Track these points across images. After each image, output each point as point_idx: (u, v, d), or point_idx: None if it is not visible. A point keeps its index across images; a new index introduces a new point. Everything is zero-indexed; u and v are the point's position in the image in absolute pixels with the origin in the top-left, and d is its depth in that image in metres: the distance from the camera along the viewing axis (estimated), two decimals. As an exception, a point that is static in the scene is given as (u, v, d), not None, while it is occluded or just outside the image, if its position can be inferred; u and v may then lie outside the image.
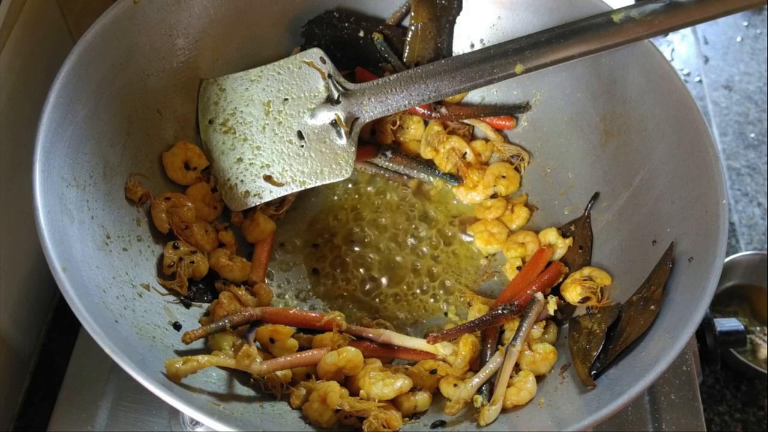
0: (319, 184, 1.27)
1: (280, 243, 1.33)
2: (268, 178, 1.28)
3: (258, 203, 1.27)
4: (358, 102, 1.28)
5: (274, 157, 1.28)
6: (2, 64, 1.11)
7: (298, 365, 1.12)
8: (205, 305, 1.19)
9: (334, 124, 1.28)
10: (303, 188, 1.27)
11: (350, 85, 1.29)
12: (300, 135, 1.29)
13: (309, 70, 1.31)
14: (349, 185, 1.39)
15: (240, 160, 1.29)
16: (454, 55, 1.40)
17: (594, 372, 1.07)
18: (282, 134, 1.29)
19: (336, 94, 1.28)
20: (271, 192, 1.27)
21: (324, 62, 1.31)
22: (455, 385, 1.13)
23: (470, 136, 1.43)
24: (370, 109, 1.28)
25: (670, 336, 1.00)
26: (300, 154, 1.28)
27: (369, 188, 1.41)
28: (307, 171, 1.27)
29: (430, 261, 1.33)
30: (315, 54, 1.31)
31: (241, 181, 1.28)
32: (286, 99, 1.31)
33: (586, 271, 1.24)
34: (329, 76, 1.30)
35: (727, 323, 1.41)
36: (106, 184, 1.12)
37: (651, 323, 1.06)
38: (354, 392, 1.10)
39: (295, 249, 1.33)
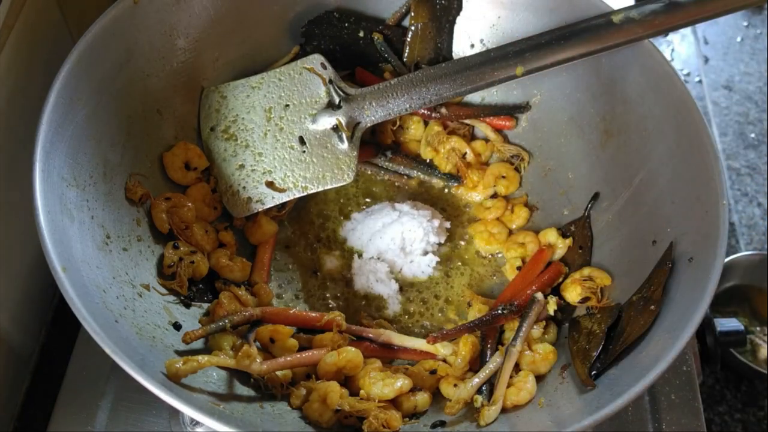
0: (321, 189, 1.27)
1: (281, 243, 1.33)
2: (270, 184, 1.28)
3: (260, 209, 1.27)
4: (360, 107, 1.28)
5: (275, 163, 1.28)
6: (2, 64, 1.12)
7: (298, 365, 1.12)
8: (205, 305, 1.19)
9: (336, 129, 1.28)
10: (305, 194, 1.27)
11: (351, 90, 1.29)
12: (301, 140, 1.29)
13: (310, 76, 1.31)
14: (350, 186, 1.39)
15: (242, 166, 1.29)
16: (454, 55, 1.40)
17: (594, 372, 1.07)
18: (284, 140, 1.29)
19: (337, 100, 1.28)
20: (273, 198, 1.27)
21: (325, 68, 1.31)
22: (455, 385, 1.13)
23: (470, 136, 1.43)
24: (371, 114, 1.28)
25: (670, 336, 1.00)
26: (302, 159, 1.28)
27: (369, 189, 1.41)
28: (309, 176, 1.27)
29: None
30: (316, 60, 1.32)
31: (243, 187, 1.28)
32: (288, 105, 1.31)
33: (586, 271, 1.24)
34: (330, 81, 1.30)
35: (727, 323, 1.41)
36: (106, 184, 1.13)
37: (651, 323, 1.06)
38: (354, 392, 1.10)
39: (295, 249, 1.33)
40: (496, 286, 1.32)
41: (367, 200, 1.39)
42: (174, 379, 0.97)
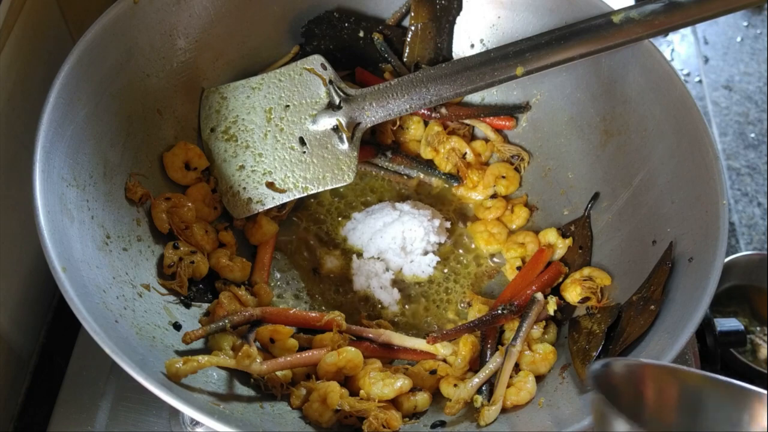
0: (321, 189, 1.27)
1: (281, 243, 1.33)
2: (270, 185, 1.28)
3: (260, 210, 1.27)
4: (360, 107, 1.28)
5: (276, 164, 1.28)
6: (2, 64, 1.11)
7: (298, 365, 1.12)
8: (205, 305, 1.19)
9: (336, 129, 1.28)
10: (305, 194, 1.27)
11: (351, 91, 1.29)
12: (302, 141, 1.29)
13: (310, 77, 1.31)
14: (350, 186, 1.39)
15: (242, 167, 1.29)
16: (454, 55, 1.40)
17: (594, 372, 1.07)
18: (284, 141, 1.29)
19: (337, 100, 1.28)
20: (273, 198, 1.27)
21: (325, 68, 1.31)
22: (455, 385, 1.13)
23: (470, 136, 1.43)
24: (371, 114, 1.29)
25: (670, 336, 1.00)
26: (302, 160, 1.28)
27: (369, 189, 1.41)
28: (310, 177, 1.28)
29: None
30: (316, 60, 1.32)
31: (244, 188, 1.28)
32: (288, 106, 1.31)
33: (586, 271, 1.24)
34: (330, 82, 1.30)
35: (727, 323, 1.41)
36: (106, 184, 1.13)
37: (651, 323, 1.06)
38: (354, 392, 1.10)
39: (295, 249, 1.33)
40: (496, 286, 1.32)
41: (368, 200, 1.39)
42: (174, 379, 0.97)
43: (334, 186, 1.27)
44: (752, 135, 1.89)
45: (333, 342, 1.15)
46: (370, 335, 1.18)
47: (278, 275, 1.30)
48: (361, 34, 1.39)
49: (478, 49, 1.39)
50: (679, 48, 2.05)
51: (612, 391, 0.78)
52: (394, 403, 1.11)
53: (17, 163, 1.16)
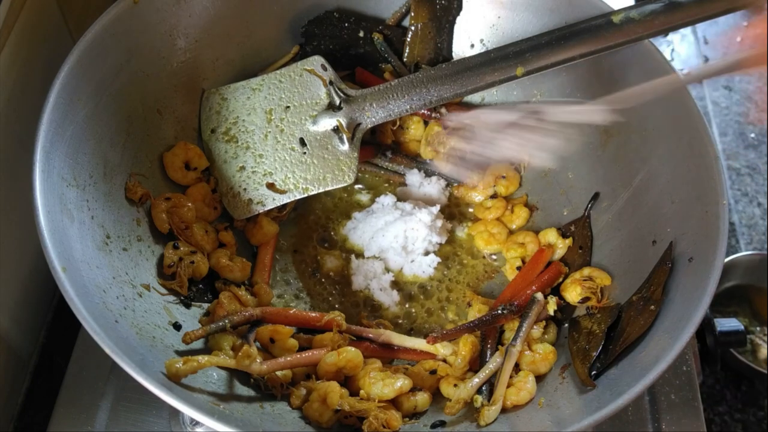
0: (322, 190, 1.27)
1: (282, 244, 1.33)
2: (271, 186, 1.27)
3: (261, 211, 1.27)
4: (360, 108, 1.28)
5: (276, 165, 1.28)
6: (2, 64, 1.11)
7: (298, 365, 1.12)
8: (205, 305, 1.19)
9: (336, 130, 1.28)
10: (306, 195, 1.27)
11: (352, 92, 1.29)
12: (302, 142, 1.29)
13: (310, 78, 1.31)
14: (350, 186, 1.39)
15: (243, 168, 1.29)
16: (454, 55, 1.40)
17: (594, 372, 1.07)
18: (284, 142, 1.29)
19: (338, 101, 1.28)
20: (274, 199, 1.27)
21: (325, 69, 1.31)
22: (455, 385, 1.13)
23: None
24: (371, 115, 1.28)
25: (670, 336, 1.00)
26: (302, 161, 1.28)
27: (369, 189, 1.41)
28: (310, 178, 1.27)
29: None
30: (316, 61, 1.32)
31: (244, 189, 1.28)
32: (288, 107, 1.31)
33: (586, 271, 1.24)
34: (330, 82, 1.30)
35: (727, 323, 1.41)
36: (106, 184, 1.13)
37: (651, 323, 1.06)
38: (354, 392, 1.10)
39: (296, 249, 1.33)
40: (496, 286, 1.32)
41: (368, 200, 1.39)
42: (174, 379, 0.97)
43: (335, 187, 1.27)
44: (752, 135, 1.89)
45: (333, 342, 1.15)
46: (370, 335, 1.18)
47: (279, 275, 1.30)
48: (361, 34, 1.39)
49: (478, 49, 1.39)
50: (679, 48, 2.05)
51: None
52: (394, 403, 1.11)
53: (17, 163, 1.16)
